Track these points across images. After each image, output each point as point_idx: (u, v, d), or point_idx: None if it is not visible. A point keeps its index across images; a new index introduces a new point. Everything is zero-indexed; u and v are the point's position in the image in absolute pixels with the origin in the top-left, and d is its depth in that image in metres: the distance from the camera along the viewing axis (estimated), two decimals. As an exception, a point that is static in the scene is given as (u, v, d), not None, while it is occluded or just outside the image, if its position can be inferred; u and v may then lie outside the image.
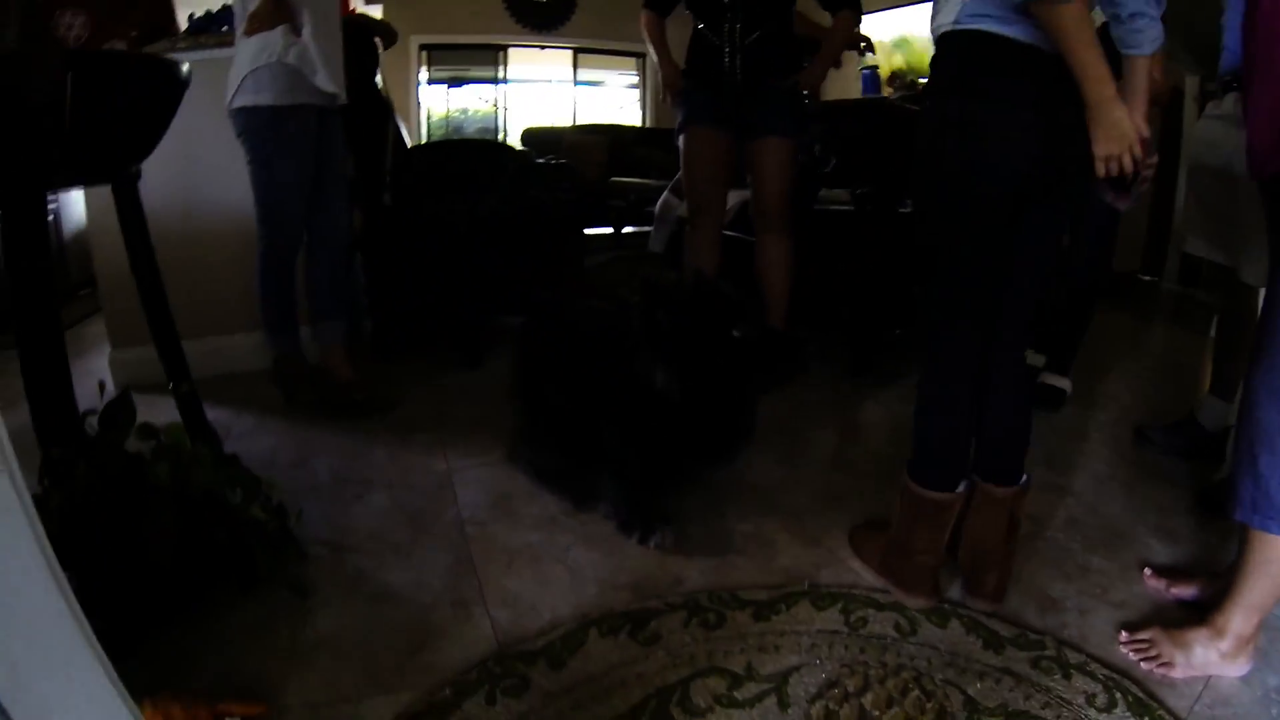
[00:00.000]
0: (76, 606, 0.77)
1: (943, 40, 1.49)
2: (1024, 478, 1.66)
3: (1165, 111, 7.19)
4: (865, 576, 1.77)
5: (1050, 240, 1.59)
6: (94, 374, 2.12)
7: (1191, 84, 7.12)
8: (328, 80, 2.44)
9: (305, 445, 2.40)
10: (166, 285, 2.05)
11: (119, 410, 1.62)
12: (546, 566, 1.78)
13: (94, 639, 0.78)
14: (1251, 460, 1.38)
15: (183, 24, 3.14)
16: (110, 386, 1.68)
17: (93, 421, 1.61)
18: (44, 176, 1.63)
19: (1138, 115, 1.40)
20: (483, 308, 3.31)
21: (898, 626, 1.59)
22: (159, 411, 1.74)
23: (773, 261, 2.92)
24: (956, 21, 1.43)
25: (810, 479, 2.27)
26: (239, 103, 2.37)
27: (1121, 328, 4.81)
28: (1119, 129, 1.34)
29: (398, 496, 2.09)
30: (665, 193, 4.69)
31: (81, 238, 3.94)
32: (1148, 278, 7.19)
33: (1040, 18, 1.32)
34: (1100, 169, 1.39)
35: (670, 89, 2.88)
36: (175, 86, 1.82)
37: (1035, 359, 3.13)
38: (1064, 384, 3.00)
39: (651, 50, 2.94)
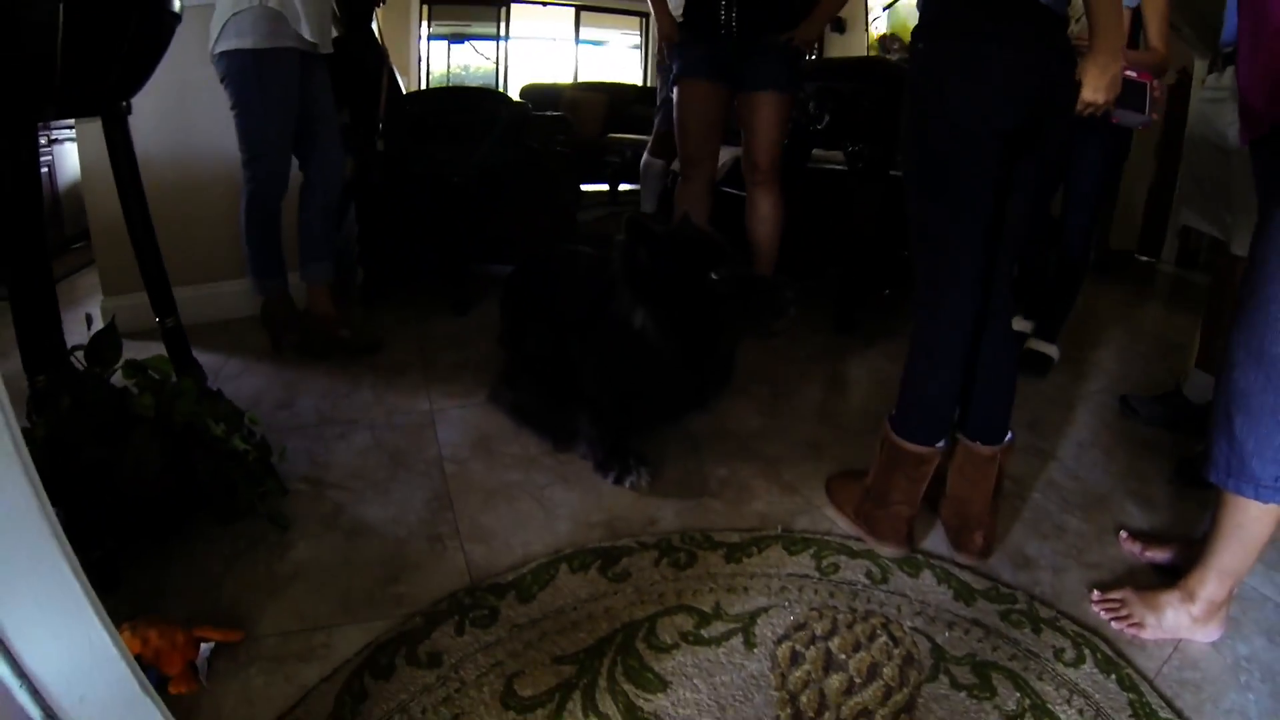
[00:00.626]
0: (59, 530, 0.77)
1: None
2: (1009, 435, 1.67)
3: (1171, 92, 7.19)
4: (839, 525, 1.78)
5: (1035, 192, 1.58)
6: (84, 320, 2.13)
7: (1200, 67, 7.08)
8: (309, 30, 2.43)
9: (291, 387, 2.41)
10: (157, 233, 2.05)
11: (105, 343, 1.63)
12: (522, 504, 1.79)
13: (74, 560, 0.78)
14: (1227, 422, 1.38)
15: None
16: (98, 322, 1.68)
17: (80, 356, 1.62)
18: (35, 107, 1.62)
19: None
20: (473, 256, 3.31)
21: (869, 574, 1.60)
22: (148, 356, 1.74)
23: (763, 216, 2.92)
24: None
25: (790, 429, 2.28)
26: (221, 47, 2.34)
27: (1115, 304, 4.82)
28: (1116, 81, 1.36)
29: (380, 435, 2.10)
30: (645, 154, 4.66)
31: (75, 191, 3.92)
32: (1145, 258, 7.18)
33: None
34: (1082, 108, 1.41)
35: (666, 40, 2.86)
36: (167, 19, 1.80)
37: (1023, 325, 3.14)
38: (1051, 350, 3.01)
39: (650, 1, 2.92)
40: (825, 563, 1.63)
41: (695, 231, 1.85)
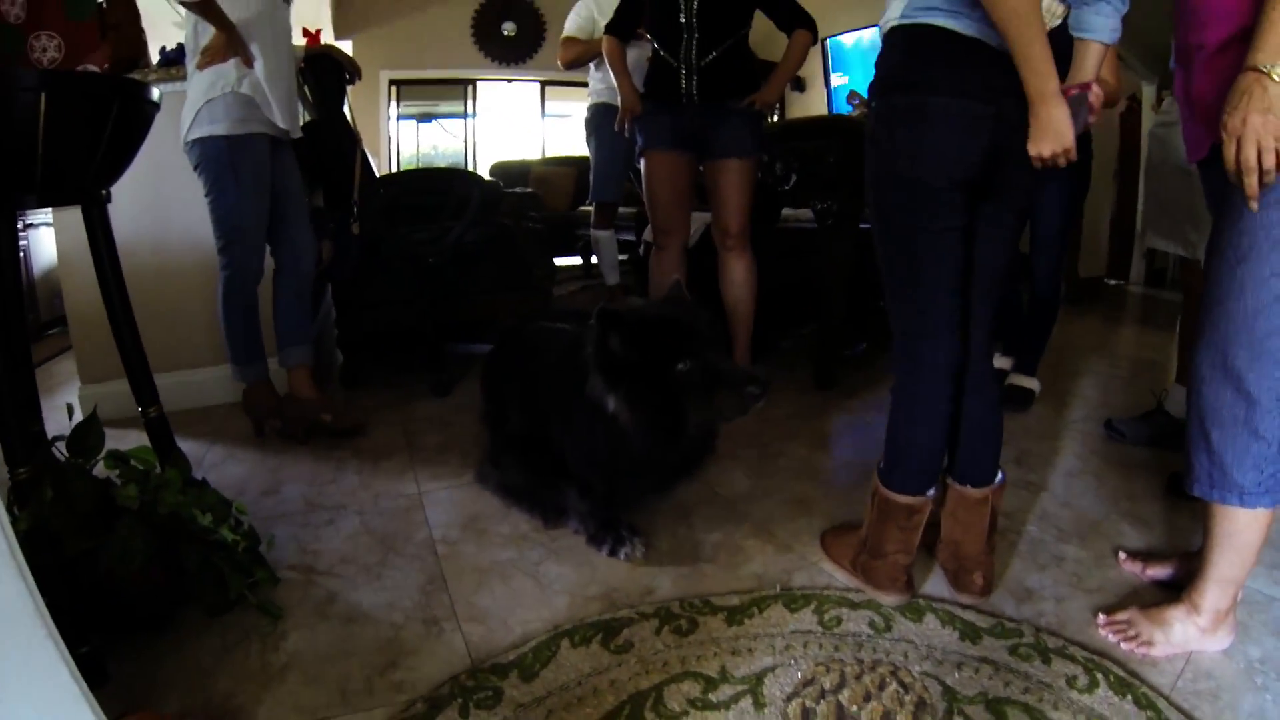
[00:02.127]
0: (53, 626, 0.76)
1: (890, 35, 1.49)
2: (1000, 475, 1.67)
3: (1124, 119, 7.40)
4: (838, 578, 1.77)
5: (1004, 239, 1.59)
6: (63, 409, 2.09)
7: (1148, 92, 7.31)
8: (280, 116, 2.48)
9: (275, 473, 2.39)
10: (136, 320, 2.04)
11: (87, 433, 1.62)
12: (517, 582, 1.77)
13: (69, 656, 0.77)
14: (1204, 436, 1.40)
15: (154, 57, 3.15)
16: (79, 413, 1.67)
17: (61, 447, 1.60)
18: (16, 197, 1.64)
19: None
20: (451, 336, 3.32)
21: (872, 624, 1.59)
22: (129, 444, 1.73)
23: (738, 281, 2.96)
24: (903, 15, 1.44)
25: (779, 488, 2.28)
26: (194, 134, 2.38)
27: (1089, 330, 4.89)
28: (1055, 128, 1.35)
29: (368, 520, 2.07)
30: (591, 229, 4.69)
31: (50, 277, 3.92)
32: (1114, 281, 7.31)
33: (989, 6, 1.32)
34: (1034, 163, 1.40)
35: (630, 113, 2.91)
36: (146, 108, 1.83)
37: (1002, 361, 3.17)
38: (1032, 384, 3.05)
39: (613, 75, 3.01)
40: (827, 617, 1.61)
41: (667, 317, 1.86)
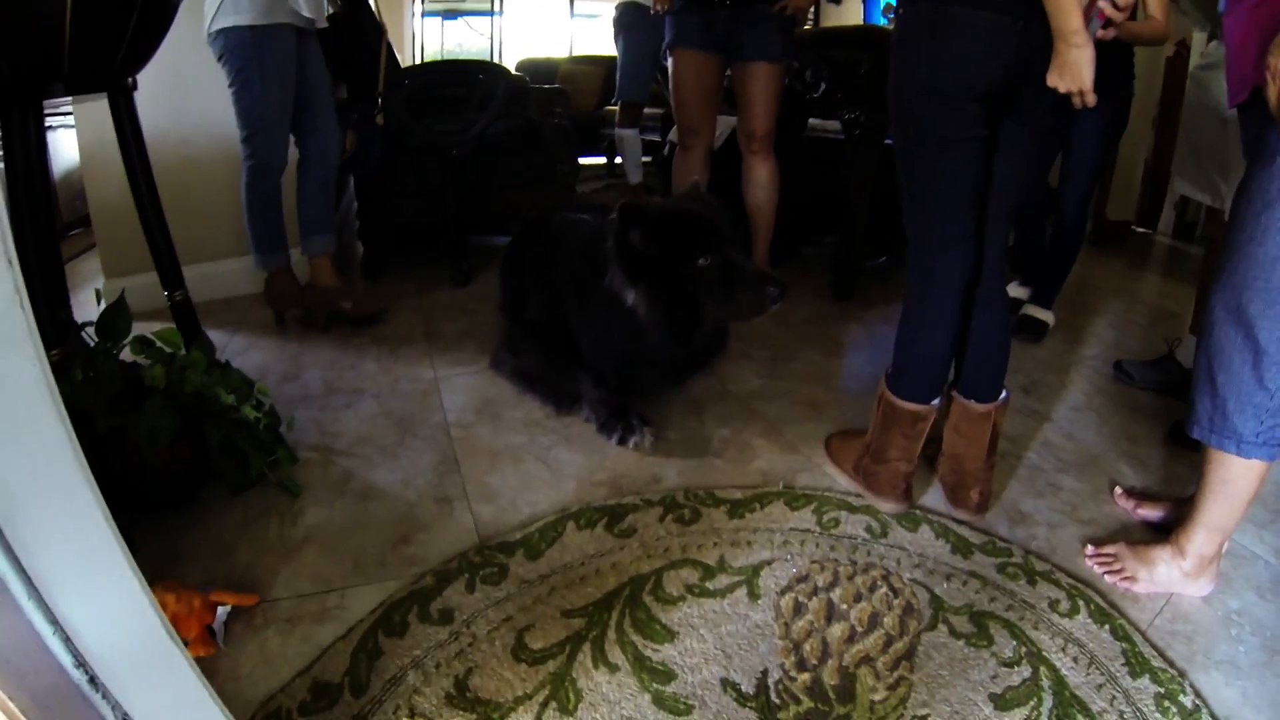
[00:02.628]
0: (93, 482, 0.79)
1: None
2: (1004, 393, 1.70)
3: (1170, 64, 7.18)
4: (840, 481, 1.82)
5: (1022, 157, 1.58)
6: (87, 304, 2.12)
7: (1198, 39, 7.05)
8: (305, 5, 2.44)
9: (296, 360, 2.44)
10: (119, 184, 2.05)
11: (115, 317, 1.65)
12: (528, 465, 1.82)
13: (107, 511, 0.81)
14: (1209, 379, 1.41)
15: None
16: (105, 301, 1.70)
17: (90, 332, 1.64)
18: (44, 84, 1.64)
19: None
20: (473, 227, 3.33)
21: (869, 528, 1.64)
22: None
23: (760, 183, 2.96)
24: None
25: (790, 390, 2.32)
26: (219, 24, 2.34)
27: (1112, 273, 4.83)
28: (1075, 69, 1.33)
29: (386, 403, 2.13)
30: (616, 128, 4.65)
31: (70, 179, 3.90)
32: (1142, 229, 7.18)
33: None
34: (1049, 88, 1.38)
35: (662, 5, 2.86)
36: None
37: (1019, 291, 3.17)
38: (1047, 316, 3.03)
39: None
40: (826, 518, 1.66)
41: (689, 213, 1.88)
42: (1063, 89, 1.36)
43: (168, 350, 1.67)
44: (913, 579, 1.49)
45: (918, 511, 1.71)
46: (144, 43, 1.85)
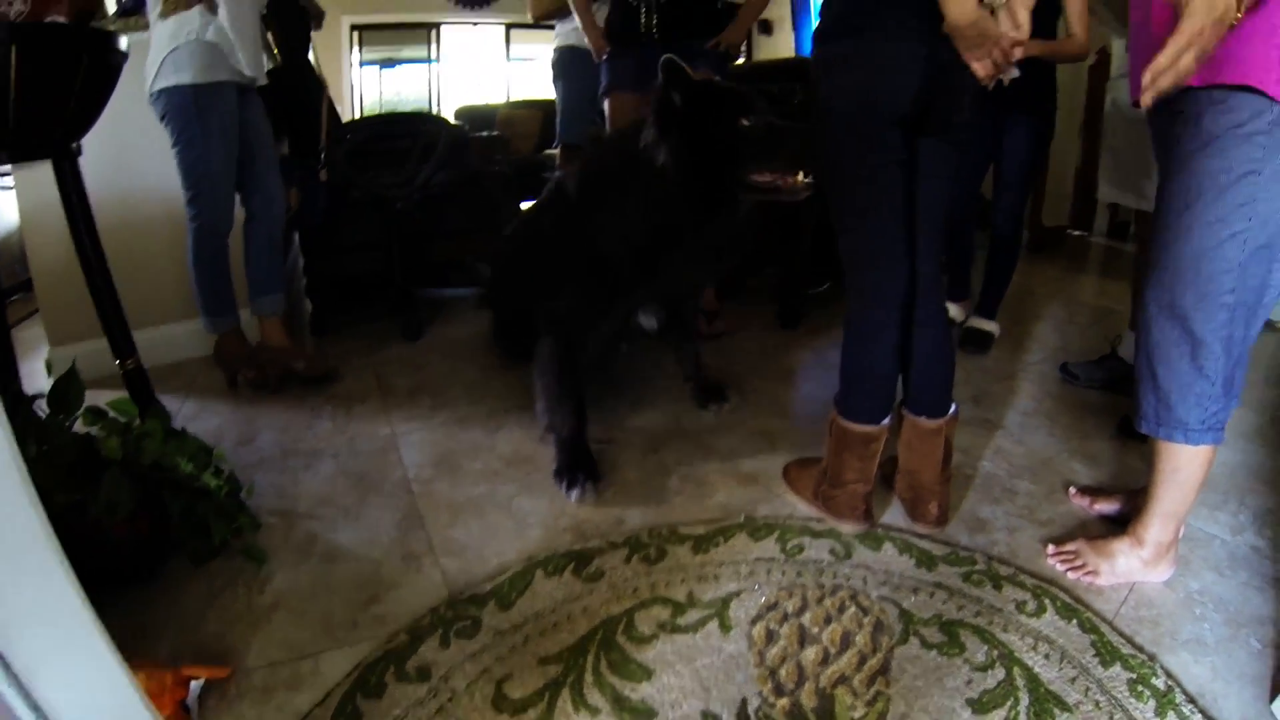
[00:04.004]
0: (66, 562, 0.79)
1: None
2: (953, 407, 1.74)
3: (1093, 72, 7.43)
4: (800, 508, 1.84)
5: (946, 174, 1.65)
6: (34, 374, 2.07)
7: (1118, 46, 7.31)
8: (246, 63, 2.45)
9: (251, 423, 2.41)
10: (66, 251, 2.03)
11: (66, 388, 1.63)
12: (491, 516, 1.82)
13: (82, 591, 0.80)
14: (1151, 375, 1.47)
15: (110, 5, 3.06)
16: (56, 371, 1.68)
17: (41, 405, 1.62)
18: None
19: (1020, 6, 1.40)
20: (420, 280, 3.33)
21: (833, 551, 1.67)
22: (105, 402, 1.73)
23: None
24: None
25: (744, 423, 2.34)
26: (160, 84, 2.34)
27: (1050, 278, 4.97)
28: (972, 38, 1.36)
29: (344, 463, 2.11)
30: (557, 172, 4.68)
31: (10, 242, 3.82)
32: (1077, 232, 7.41)
33: None
34: (985, 82, 1.42)
35: (600, 52, 2.90)
36: (115, 59, 1.82)
37: (955, 311, 3.26)
38: (992, 327, 3.11)
39: (578, 18, 2.95)
40: (790, 544, 1.69)
41: (728, 85, 1.98)
42: (980, 69, 1.39)
43: (122, 420, 1.65)
44: (880, 596, 1.52)
45: (879, 530, 1.75)
46: (88, 108, 1.85)
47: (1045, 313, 3.83)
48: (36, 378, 1.76)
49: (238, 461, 2.08)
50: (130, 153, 2.79)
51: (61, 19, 2.67)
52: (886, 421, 1.71)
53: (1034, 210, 6.00)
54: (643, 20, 2.76)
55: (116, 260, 2.23)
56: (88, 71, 1.71)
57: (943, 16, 1.38)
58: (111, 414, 1.65)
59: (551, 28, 4.02)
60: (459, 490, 1.95)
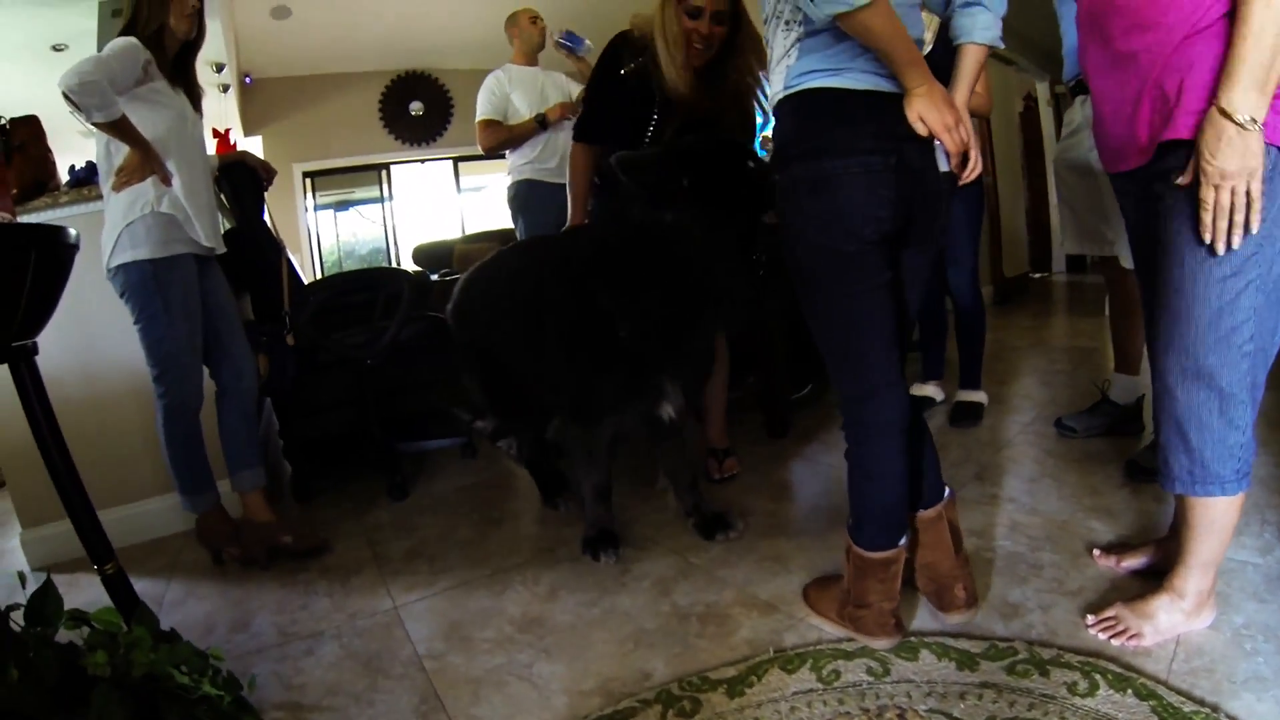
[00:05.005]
0: None
1: (779, 107, 1.53)
2: (947, 491, 1.72)
3: (1024, 118, 7.72)
4: (827, 630, 1.77)
5: (921, 281, 1.65)
6: (7, 553, 1.98)
7: (1042, 89, 7.69)
8: (203, 233, 2.43)
9: (243, 604, 2.30)
10: (73, 455, 1.95)
11: (43, 603, 1.54)
12: (513, 688, 1.73)
13: None
14: (1182, 439, 1.46)
15: (63, 174, 3.04)
16: (28, 573, 1.60)
17: (16, 617, 1.53)
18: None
19: (959, 98, 1.47)
20: (401, 435, 3.26)
21: (870, 670, 1.60)
22: (81, 590, 1.65)
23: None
24: (787, 86, 1.48)
25: (752, 548, 2.25)
26: (117, 260, 2.31)
27: (1022, 328, 5.03)
28: (937, 105, 1.38)
29: (348, 643, 2.01)
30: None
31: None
32: (1038, 275, 7.60)
33: (849, 29, 1.35)
34: (949, 144, 1.42)
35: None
36: (65, 253, 1.78)
37: (932, 391, 3.29)
38: (980, 397, 3.12)
39: (570, 186, 2.70)
40: (825, 671, 1.61)
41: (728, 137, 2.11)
42: (952, 140, 1.40)
43: (108, 630, 1.56)
44: (929, 709, 1.45)
45: (913, 639, 1.68)
46: (40, 306, 1.80)
47: (1026, 366, 3.86)
48: (9, 557, 1.66)
49: (234, 650, 1.97)
50: (87, 324, 2.73)
51: (5, 214, 2.66)
52: (904, 542, 1.66)
53: (994, 265, 6.13)
54: None
55: (84, 439, 2.15)
56: (37, 269, 1.67)
57: (904, 117, 1.39)
58: (95, 624, 1.56)
59: (500, 157, 4.08)
60: (474, 663, 1.85)
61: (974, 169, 1.50)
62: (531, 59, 3.88)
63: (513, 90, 3.76)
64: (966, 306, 3.08)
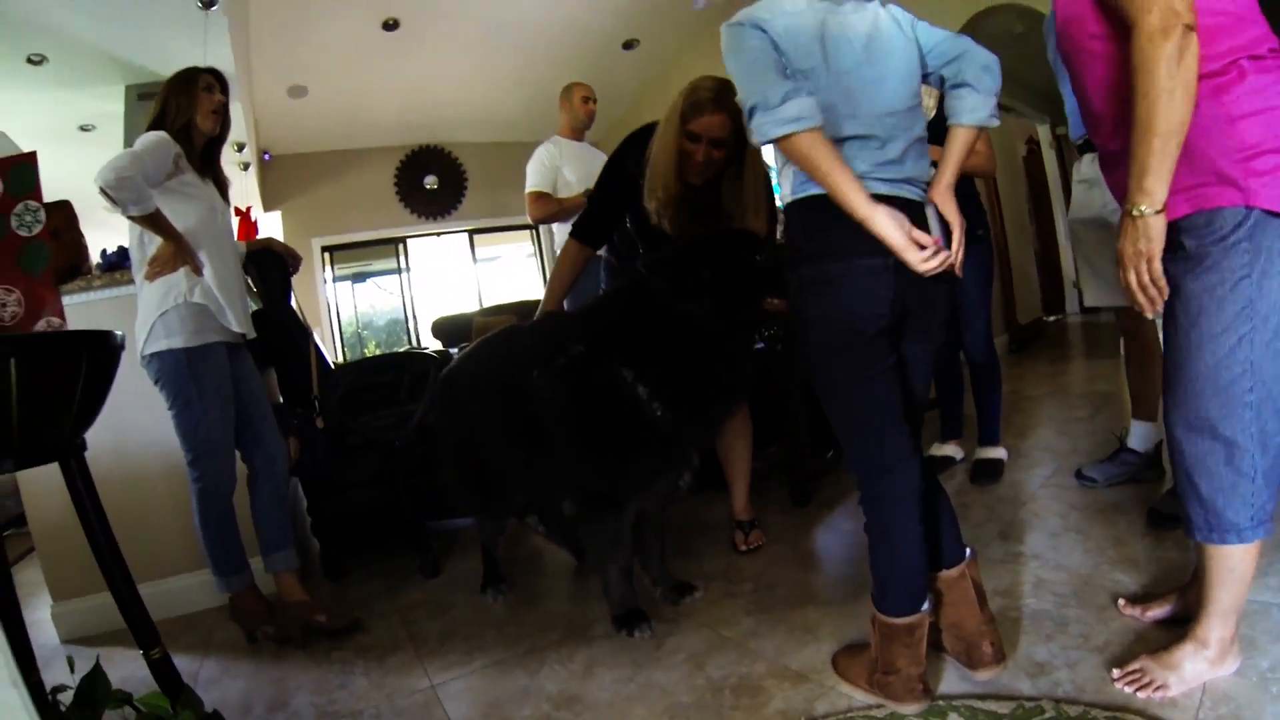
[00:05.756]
0: None
1: (788, 211, 1.65)
2: (968, 551, 1.76)
3: (1027, 161, 7.80)
4: (857, 698, 1.79)
5: (927, 365, 1.74)
6: (36, 625, 1.98)
7: (1043, 131, 7.79)
8: (235, 321, 2.52)
9: (280, 683, 2.33)
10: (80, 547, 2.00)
11: (94, 685, 1.60)
12: (554, 765, 1.75)
13: None
14: (1194, 489, 1.52)
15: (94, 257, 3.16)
16: (61, 648, 1.64)
17: (64, 698, 1.58)
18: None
19: (945, 179, 1.58)
20: (428, 514, 3.31)
21: (901, 735, 1.61)
22: (115, 666, 1.67)
23: (731, 431, 2.84)
24: (794, 191, 1.60)
25: (782, 619, 2.26)
26: (151, 348, 2.40)
27: (1039, 375, 5.03)
28: (884, 232, 1.48)
29: (390, 724, 2.04)
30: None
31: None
32: (1052, 318, 7.58)
33: (788, 154, 1.50)
34: (911, 263, 1.51)
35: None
36: (113, 355, 1.87)
37: (952, 450, 3.30)
38: (999, 453, 3.13)
39: (557, 279, 2.72)
40: (859, 739, 1.63)
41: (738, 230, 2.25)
42: (899, 248, 1.50)
43: (154, 717, 1.60)
44: (959, 772, 1.47)
45: (940, 702, 1.69)
46: (91, 405, 1.88)
47: (1045, 416, 3.87)
48: (38, 629, 1.67)
49: None
50: (118, 405, 2.76)
51: (56, 319, 2.77)
52: (926, 606, 1.70)
53: (1009, 313, 6.16)
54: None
55: (117, 515, 2.20)
56: (89, 371, 1.76)
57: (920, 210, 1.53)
58: (142, 709, 1.60)
59: (508, 229, 4.10)
60: (515, 742, 1.87)
61: (955, 255, 1.60)
62: (579, 135, 3.96)
63: (564, 164, 3.81)
64: (981, 363, 3.11)
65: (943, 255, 1.53)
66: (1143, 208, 1.36)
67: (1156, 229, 1.36)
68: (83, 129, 5.63)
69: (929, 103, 2.82)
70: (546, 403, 2.22)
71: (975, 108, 1.57)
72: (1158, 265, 1.38)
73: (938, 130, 2.46)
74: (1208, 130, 1.37)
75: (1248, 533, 1.48)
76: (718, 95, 2.20)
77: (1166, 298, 1.43)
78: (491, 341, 2.68)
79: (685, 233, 2.35)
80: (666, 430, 2.13)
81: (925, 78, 1.66)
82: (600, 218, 2.66)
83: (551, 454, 2.28)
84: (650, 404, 2.11)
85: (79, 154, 3.14)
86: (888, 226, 1.48)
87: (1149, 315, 1.46)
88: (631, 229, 2.64)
